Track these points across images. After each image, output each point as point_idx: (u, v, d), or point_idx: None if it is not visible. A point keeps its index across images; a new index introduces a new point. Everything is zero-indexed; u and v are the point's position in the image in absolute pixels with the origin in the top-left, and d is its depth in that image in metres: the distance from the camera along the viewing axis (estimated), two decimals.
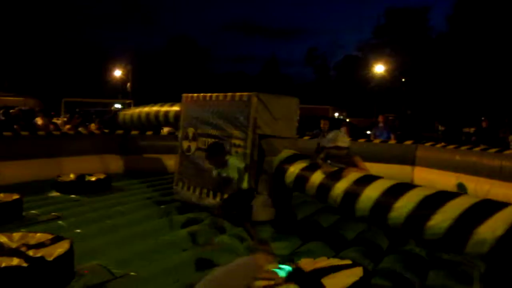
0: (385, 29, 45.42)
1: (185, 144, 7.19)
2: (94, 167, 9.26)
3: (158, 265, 4.24)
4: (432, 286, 3.86)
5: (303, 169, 5.29)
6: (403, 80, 38.23)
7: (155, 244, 4.87)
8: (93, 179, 7.98)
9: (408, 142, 9.37)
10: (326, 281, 3.25)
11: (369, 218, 4.26)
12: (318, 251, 4.61)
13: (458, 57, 33.06)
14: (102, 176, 8.16)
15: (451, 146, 8.53)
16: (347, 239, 5.28)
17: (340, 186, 4.54)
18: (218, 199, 6.19)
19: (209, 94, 6.90)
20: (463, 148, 8.29)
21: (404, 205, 3.77)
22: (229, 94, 6.46)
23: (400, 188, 4.02)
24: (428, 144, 9.01)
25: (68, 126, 13.19)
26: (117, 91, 36.34)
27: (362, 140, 10.14)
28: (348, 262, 3.61)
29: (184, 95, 7.49)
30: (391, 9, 45.44)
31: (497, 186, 7.38)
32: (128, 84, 34.87)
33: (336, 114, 34.59)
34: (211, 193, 6.49)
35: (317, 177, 4.99)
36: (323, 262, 3.66)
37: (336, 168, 4.90)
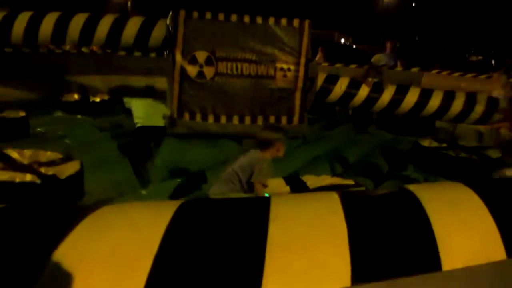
0: None
1: (193, 70, 6.26)
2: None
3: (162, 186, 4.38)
4: None
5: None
6: (413, 4, 36.99)
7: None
8: (97, 99, 7.99)
9: (414, 69, 9.27)
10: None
11: None
12: (322, 171, 4.74)
13: None
14: (106, 97, 8.15)
15: (457, 74, 8.46)
16: (349, 162, 5.43)
17: None
18: (257, 122, 6.24)
19: (234, 14, 6.29)
20: (468, 75, 8.22)
21: None
22: (272, 18, 6.24)
23: None
24: (434, 71, 8.92)
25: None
26: (117, 11, 35.30)
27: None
28: (351, 182, 3.71)
29: (183, 10, 6.24)
30: None
31: None
32: (129, 4, 33.77)
33: (342, 40, 33.77)
34: (246, 118, 6.36)
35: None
36: (327, 180, 3.76)
37: None
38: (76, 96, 7.92)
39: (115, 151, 5.44)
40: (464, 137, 6.90)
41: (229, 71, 6.27)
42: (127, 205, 1.40)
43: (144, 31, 6.56)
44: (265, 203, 1.33)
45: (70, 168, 3.88)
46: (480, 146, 5.46)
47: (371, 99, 6.84)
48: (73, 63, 9.19)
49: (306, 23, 6.24)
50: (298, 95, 6.34)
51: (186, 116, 6.38)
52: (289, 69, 6.26)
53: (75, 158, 4.19)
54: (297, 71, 6.27)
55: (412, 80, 9.28)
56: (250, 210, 1.34)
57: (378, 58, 9.18)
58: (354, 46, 27.72)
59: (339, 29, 36.28)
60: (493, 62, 21.71)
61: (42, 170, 3.76)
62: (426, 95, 6.71)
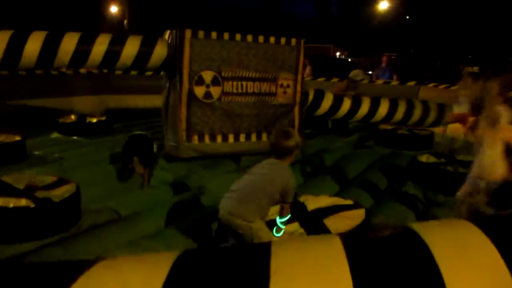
0: None
1: (200, 91, 6.14)
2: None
3: (163, 209, 4.30)
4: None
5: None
6: (407, 17, 37.29)
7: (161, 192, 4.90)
8: (94, 120, 7.98)
9: (411, 83, 9.31)
10: (328, 222, 3.30)
11: None
12: (321, 187, 4.78)
13: None
14: (103, 118, 8.15)
15: (454, 87, 8.47)
16: (347, 178, 5.42)
17: None
18: (262, 139, 6.42)
19: (238, 34, 6.31)
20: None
21: None
22: (272, 37, 6.49)
23: None
24: (430, 85, 8.95)
25: None
26: (113, 29, 35.47)
27: (364, 82, 10.05)
28: (350, 202, 3.67)
29: (189, 30, 6.07)
30: None
31: None
32: (125, 21, 33.99)
33: (338, 54, 33.99)
34: (252, 135, 6.46)
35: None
36: (326, 200, 3.71)
37: None
38: (73, 117, 7.91)
39: (112, 172, 5.39)
40: (462, 151, 6.90)
41: (234, 90, 6.32)
42: (122, 261, 1.36)
43: (144, 51, 6.05)
44: (265, 253, 1.29)
45: (65, 191, 3.87)
46: None
47: (352, 111, 7.26)
48: (70, 84, 9.26)
49: (302, 42, 6.67)
50: (297, 110, 6.74)
51: (195, 138, 6.18)
52: (288, 86, 6.59)
53: (72, 180, 4.17)
54: (295, 87, 6.65)
55: (410, 94, 9.33)
56: (250, 262, 1.30)
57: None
58: (349, 59, 27.90)
59: (335, 42, 36.56)
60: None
61: (37, 194, 3.74)
62: (394, 105, 7.24)
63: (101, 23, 34.59)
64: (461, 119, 6.55)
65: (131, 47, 5.95)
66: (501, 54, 26.24)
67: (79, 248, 3.35)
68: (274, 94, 6.54)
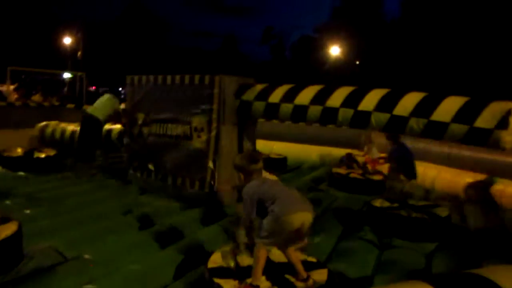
0: (341, 11, 45.79)
1: (136, 130, 6.88)
2: None
3: (112, 247, 4.15)
4: (385, 271, 3.99)
5: None
6: (357, 63, 38.91)
7: (108, 225, 4.77)
8: (42, 155, 7.64)
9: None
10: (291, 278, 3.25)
11: None
12: None
13: (410, 42, 33.91)
14: (52, 153, 7.83)
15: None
16: None
17: None
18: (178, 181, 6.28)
19: (161, 76, 6.55)
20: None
21: None
22: (187, 76, 6.20)
23: None
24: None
25: (15, 96, 12.57)
26: (67, 60, 34.77)
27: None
28: (313, 260, 3.61)
29: (129, 76, 7.02)
30: None
31: (444, 171, 7.71)
32: (79, 53, 33.48)
33: None
34: (168, 177, 6.40)
35: None
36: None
37: None
38: (19, 151, 7.55)
39: (61, 213, 5.12)
40: (413, 195, 7.09)
41: (158, 132, 6.52)
42: None
43: None
44: None
45: (6, 230, 3.60)
46: (428, 204, 5.59)
47: None
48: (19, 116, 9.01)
49: (217, 78, 5.86)
50: (210, 157, 5.87)
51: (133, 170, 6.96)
52: (202, 129, 5.96)
53: (13, 218, 3.91)
54: (209, 131, 5.87)
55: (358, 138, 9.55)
56: None
57: None
58: None
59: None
60: None
61: None
62: None
63: (54, 54, 33.91)
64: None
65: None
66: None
67: None
68: (190, 138, 6.10)
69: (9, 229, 3.64)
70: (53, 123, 9.24)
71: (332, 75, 38.56)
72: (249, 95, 5.87)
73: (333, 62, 39.79)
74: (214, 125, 5.82)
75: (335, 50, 38.00)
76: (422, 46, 32.85)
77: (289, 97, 5.56)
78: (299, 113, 5.47)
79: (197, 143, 5.98)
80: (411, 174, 7.02)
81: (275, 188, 3.20)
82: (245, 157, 3.41)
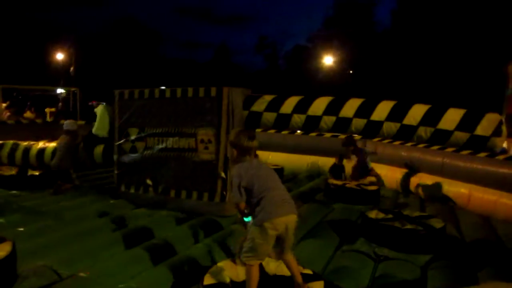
0: (334, 21, 46.17)
1: (127, 145, 6.78)
2: None
3: (106, 264, 4.12)
4: (381, 283, 3.98)
5: None
6: (351, 72, 39.11)
7: (101, 242, 4.75)
8: (36, 173, 7.61)
9: (357, 137, 9.56)
10: None
11: None
12: None
13: (401, 51, 34.19)
14: (39, 172, 7.79)
15: (397, 142, 8.80)
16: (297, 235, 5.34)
17: None
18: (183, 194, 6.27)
19: (157, 89, 6.56)
20: (408, 144, 8.58)
21: None
22: (191, 89, 6.21)
23: None
24: (375, 139, 9.24)
25: (8, 114, 12.55)
26: (60, 76, 34.70)
27: (313, 134, 10.23)
28: (309, 272, 3.62)
29: (118, 91, 6.89)
30: (339, 1, 46.23)
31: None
32: (71, 69, 33.44)
33: None
34: (172, 191, 6.39)
35: None
36: (285, 268, 3.65)
37: None
38: (13, 170, 7.52)
39: (55, 230, 5.09)
40: (407, 205, 7.13)
41: (156, 145, 6.46)
42: None
43: None
44: None
45: (0, 251, 3.57)
46: (423, 215, 5.60)
47: None
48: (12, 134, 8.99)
49: (225, 90, 5.96)
50: (221, 168, 5.96)
51: (123, 186, 6.89)
52: (210, 141, 6.05)
53: (7, 238, 3.88)
54: (218, 142, 5.97)
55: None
56: None
57: None
58: None
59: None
60: None
61: None
62: None
63: (46, 70, 33.84)
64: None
65: None
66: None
67: None
68: (195, 150, 6.16)
69: (3, 250, 3.62)
70: (10, 142, 9.09)
71: (326, 84, 38.75)
72: (259, 106, 6.12)
73: (327, 71, 39.99)
74: (224, 136, 5.87)
75: (328, 60, 38.21)
76: (413, 55, 33.14)
77: (301, 108, 5.92)
78: (312, 123, 5.88)
79: (204, 154, 6.04)
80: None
81: (262, 182, 3.14)
82: (242, 133, 3.26)
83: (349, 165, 8.89)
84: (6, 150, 8.92)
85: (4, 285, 3.52)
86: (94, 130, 7.71)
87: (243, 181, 3.09)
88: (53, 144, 8.12)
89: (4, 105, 13.60)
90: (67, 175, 7.13)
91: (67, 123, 7.26)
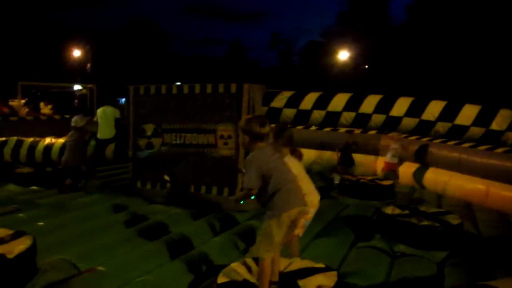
0: (348, 16, 45.73)
1: (143, 142, 6.80)
2: None
3: (123, 258, 4.18)
4: (397, 279, 3.96)
5: None
6: (366, 67, 38.80)
7: (118, 237, 4.81)
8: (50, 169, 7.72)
9: (372, 132, 9.51)
10: (301, 283, 3.27)
11: None
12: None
13: (417, 46, 33.78)
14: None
15: (414, 137, 8.70)
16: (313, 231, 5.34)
17: None
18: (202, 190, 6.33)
19: (175, 85, 6.59)
20: (424, 139, 8.48)
21: None
22: (209, 85, 6.23)
23: None
24: (391, 134, 9.15)
25: (26, 110, 12.74)
26: (76, 73, 35.07)
27: (327, 129, 10.17)
28: (321, 265, 3.63)
29: (132, 87, 6.89)
30: None
31: (455, 178, 7.64)
32: (88, 65, 33.76)
33: None
34: (191, 186, 6.43)
35: None
36: (298, 263, 3.69)
37: None
38: (29, 168, 7.63)
39: (73, 225, 5.17)
40: (423, 201, 7.07)
41: (173, 141, 6.51)
42: None
43: None
44: None
45: (20, 245, 3.65)
46: (439, 211, 5.55)
47: None
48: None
49: (245, 87, 6.02)
50: (241, 164, 5.97)
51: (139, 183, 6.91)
52: (229, 136, 6.09)
53: (27, 232, 3.96)
54: (238, 137, 5.82)
55: (370, 143, 9.54)
56: None
57: None
58: None
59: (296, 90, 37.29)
60: None
61: None
62: None
63: (64, 67, 34.21)
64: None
65: None
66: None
67: None
68: (214, 146, 6.22)
69: (24, 243, 3.70)
70: (13, 138, 8.84)
71: (341, 80, 38.53)
72: (279, 102, 6.23)
73: (341, 66, 39.75)
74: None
75: (343, 55, 37.96)
76: (429, 50, 32.72)
77: (321, 104, 6.04)
78: (331, 118, 6.03)
79: (224, 150, 6.13)
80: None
81: (280, 174, 3.13)
82: (253, 120, 3.21)
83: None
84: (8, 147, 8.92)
85: (24, 278, 3.58)
86: (99, 136, 7.66)
87: (260, 169, 3.07)
88: (61, 141, 8.15)
89: (23, 101, 13.80)
90: (76, 172, 7.17)
91: (74, 120, 7.25)
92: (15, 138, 8.80)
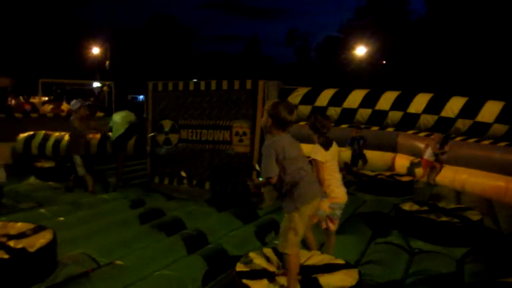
0: (366, 10, 45.26)
1: (161, 137, 6.87)
2: None
3: (142, 253, 4.22)
4: (415, 276, 3.93)
5: None
6: (384, 62, 38.38)
7: (137, 231, 4.86)
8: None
9: (390, 129, 9.42)
10: (322, 280, 3.25)
11: None
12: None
13: (436, 40, 33.28)
14: None
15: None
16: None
17: None
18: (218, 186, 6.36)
19: (192, 82, 6.62)
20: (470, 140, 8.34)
21: None
22: (225, 82, 6.23)
23: None
24: (410, 131, 9.07)
25: (50, 106, 12.96)
26: (95, 70, 35.44)
27: (344, 126, 10.09)
28: (342, 261, 3.60)
29: (151, 83, 6.96)
30: None
31: (474, 175, 7.53)
32: (107, 63, 34.08)
33: None
34: (206, 183, 6.46)
35: None
36: (317, 257, 3.67)
37: None
38: (50, 162, 7.73)
39: (92, 220, 5.25)
40: (442, 197, 6.97)
41: (190, 138, 6.53)
42: None
43: None
44: None
45: (41, 239, 3.72)
46: (458, 207, 5.48)
47: None
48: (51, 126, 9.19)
49: (260, 83, 5.98)
50: (256, 160, 5.94)
51: (157, 178, 6.98)
52: (244, 133, 6.10)
53: (48, 227, 4.03)
54: (253, 134, 6.01)
55: (388, 140, 9.45)
56: None
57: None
58: None
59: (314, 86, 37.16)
60: None
61: (11, 243, 3.59)
62: None
63: (83, 64, 34.57)
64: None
65: None
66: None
67: None
68: (230, 143, 6.22)
69: (45, 237, 3.76)
70: (41, 132, 8.99)
71: (358, 76, 38.22)
72: (294, 99, 6.08)
73: (359, 62, 39.41)
74: (259, 129, 5.90)
75: (361, 50, 37.60)
76: (448, 45, 32.20)
77: (337, 100, 5.86)
78: (347, 115, 5.85)
79: (239, 147, 6.11)
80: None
81: (300, 165, 3.09)
82: (281, 103, 3.11)
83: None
84: (36, 141, 9.08)
85: (45, 271, 3.65)
86: (113, 137, 7.50)
87: (277, 156, 3.01)
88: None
89: (44, 99, 14.01)
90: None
91: (71, 104, 7.00)
92: (43, 131, 9.01)
